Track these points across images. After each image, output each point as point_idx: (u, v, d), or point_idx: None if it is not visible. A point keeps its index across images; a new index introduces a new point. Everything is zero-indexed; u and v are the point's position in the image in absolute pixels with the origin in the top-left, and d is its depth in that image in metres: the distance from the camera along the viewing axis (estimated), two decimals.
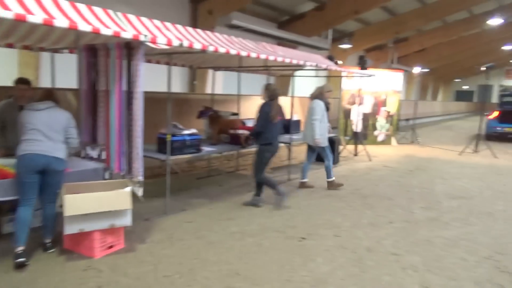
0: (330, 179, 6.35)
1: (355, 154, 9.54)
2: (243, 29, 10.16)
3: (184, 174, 7.12)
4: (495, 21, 15.17)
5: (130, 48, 3.78)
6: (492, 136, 13.73)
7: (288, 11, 13.57)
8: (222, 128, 5.92)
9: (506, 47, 22.38)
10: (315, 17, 13.25)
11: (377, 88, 11.60)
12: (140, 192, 3.92)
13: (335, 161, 8.35)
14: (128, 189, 3.61)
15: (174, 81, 11.22)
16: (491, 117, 14.01)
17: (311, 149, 6.42)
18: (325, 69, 7.02)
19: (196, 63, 7.50)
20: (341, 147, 9.45)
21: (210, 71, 11.06)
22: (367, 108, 11.62)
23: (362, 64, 8.98)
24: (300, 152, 9.88)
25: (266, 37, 11.95)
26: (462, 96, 37.56)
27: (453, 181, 7.10)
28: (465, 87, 37.27)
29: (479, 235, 4.34)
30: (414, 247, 3.95)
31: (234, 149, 6.23)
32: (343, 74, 10.07)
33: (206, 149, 5.48)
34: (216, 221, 4.58)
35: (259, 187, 5.24)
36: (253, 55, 5.20)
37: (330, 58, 10.44)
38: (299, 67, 6.59)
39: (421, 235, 4.28)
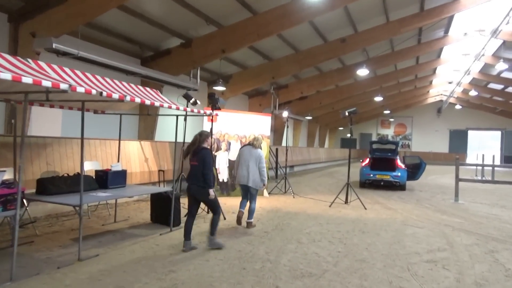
0: (250, 220, 6.70)
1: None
2: (73, 57, 8.05)
3: None
4: (362, 72, 15.47)
5: None
6: (366, 184, 13.29)
7: (151, 46, 11.89)
8: None
9: (377, 99, 23.66)
10: (181, 55, 11.77)
11: (244, 132, 10.25)
12: None
13: (177, 222, 6.43)
14: None
15: None
16: (364, 164, 13.66)
17: (244, 190, 6.81)
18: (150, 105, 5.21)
19: None
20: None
21: (35, 108, 8.70)
22: (234, 154, 10.10)
23: (213, 102, 7.46)
24: (132, 210, 7.67)
25: (119, 72, 9.98)
26: (347, 143, 39.54)
27: (309, 246, 5.61)
28: (349, 135, 39.39)
29: None
30: None
31: None
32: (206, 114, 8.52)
33: None
34: None
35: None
36: (5, 76, 3.16)
37: (186, 96, 8.85)
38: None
39: None
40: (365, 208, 9.06)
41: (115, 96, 4.09)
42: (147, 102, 4.77)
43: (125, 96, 4.19)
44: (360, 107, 26.53)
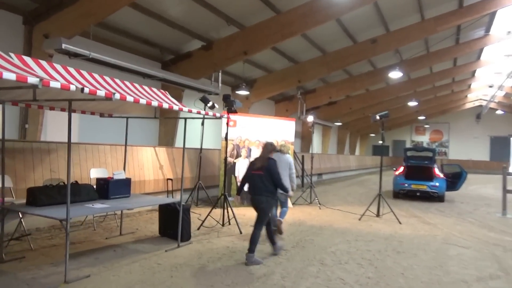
0: (281, 218, 6.41)
1: (223, 224, 7.02)
2: (85, 58, 7.66)
3: None
4: (395, 74, 14.41)
5: None
6: (400, 194, 12.21)
7: (172, 49, 11.46)
8: None
9: (411, 103, 22.32)
10: (202, 57, 11.28)
11: (266, 138, 9.53)
12: None
13: (186, 237, 5.78)
14: None
15: None
16: (397, 173, 12.58)
17: None
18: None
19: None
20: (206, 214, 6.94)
21: (48, 112, 8.39)
22: None
23: (228, 105, 6.79)
24: (142, 221, 7.02)
25: (136, 75, 9.55)
26: (378, 150, 37.86)
27: (334, 270, 4.79)
28: (381, 142, 37.67)
29: None
30: None
31: None
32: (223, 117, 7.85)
33: None
34: None
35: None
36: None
37: (204, 100, 8.31)
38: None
39: None
40: (400, 223, 8.09)
41: (101, 93, 3.50)
42: (142, 101, 4.16)
43: (114, 94, 3.59)
44: (393, 113, 25.21)
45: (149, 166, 7.96)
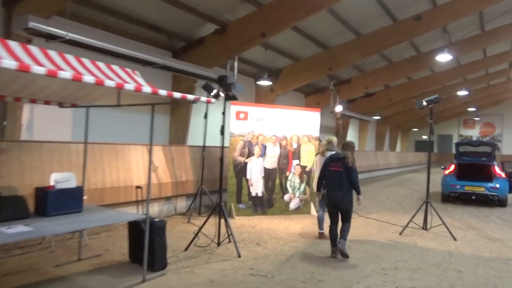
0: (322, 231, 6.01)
1: (219, 243, 5.36)
2: (62, 40, 6.34)
3: None
4: (443, 57, 12.06)
5: None
6: (450, 198, 10.01)
7: (182, 35, 9.99)
8: None
9: (460, 93, 19.49)
10: (215, 43, 9.72)
11: (284, 132, 7.81)
12: None
13: (159, 264, 4.23)
14: None
15: None
16: (447, 172, 10.35)
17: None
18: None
19: None
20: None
21: (35, 107, 7.24)
22: (271, 161, 7.70)
23: (225, 88, 5.14)
24: (121, 239, 5.47)
25: (135, 63, 8.17)
26: (422, 146, 34.63)
27: None
28: (424, 137, 34.34)
29: None
30: None
31: None
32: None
33: None
34: None
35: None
36: None
37: (206, 87, 6.76)
38: None
39: None
40: (455, 239, 6.10)
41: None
42: (88, 79, 2.61)
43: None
44: (439, 104, 22.38)
45: (139, 168, 6.50)
